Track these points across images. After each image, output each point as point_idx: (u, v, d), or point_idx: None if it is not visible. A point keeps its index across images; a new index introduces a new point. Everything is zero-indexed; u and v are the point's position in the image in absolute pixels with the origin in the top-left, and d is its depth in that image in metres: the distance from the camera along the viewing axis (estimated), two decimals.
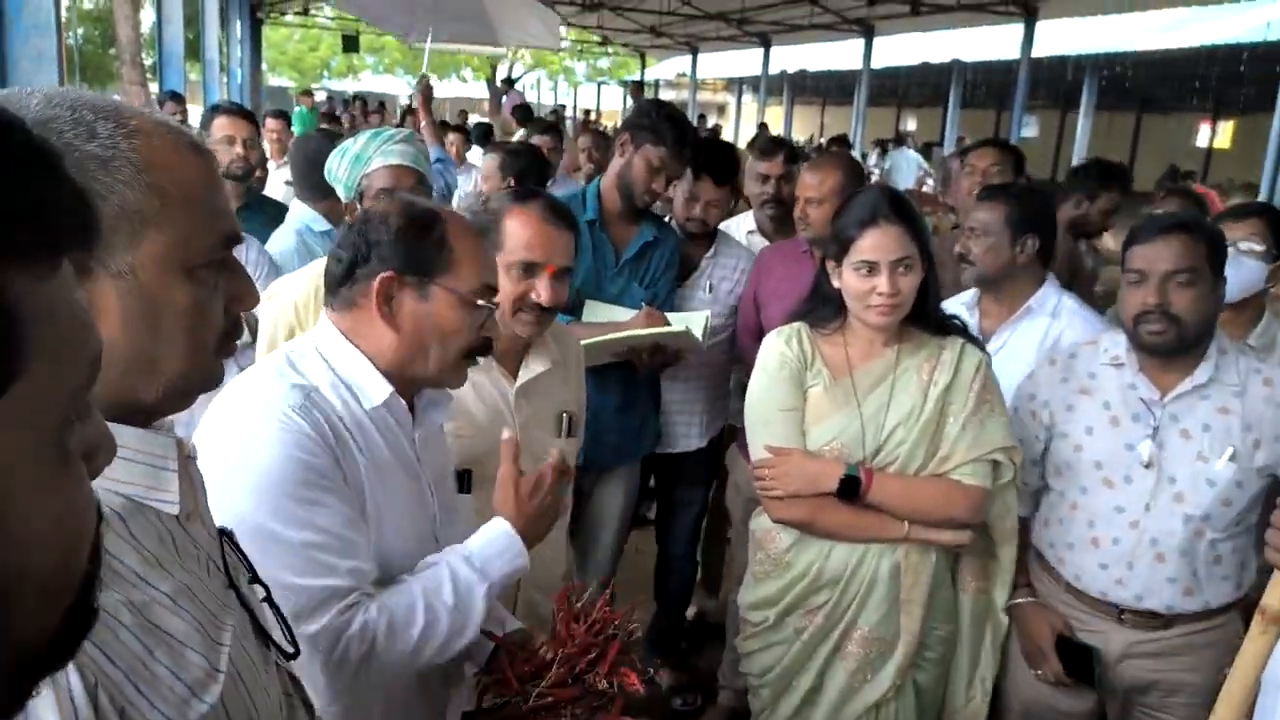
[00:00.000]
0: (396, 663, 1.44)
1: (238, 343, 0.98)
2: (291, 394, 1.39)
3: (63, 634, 0.50)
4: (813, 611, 2.18)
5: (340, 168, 2.42)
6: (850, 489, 2.06)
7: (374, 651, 1.39)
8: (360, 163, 2.38)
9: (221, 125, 3.70)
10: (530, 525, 1.61)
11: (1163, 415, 2.09)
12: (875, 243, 2.02)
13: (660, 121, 2.85)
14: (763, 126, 17.67)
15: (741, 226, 3.77)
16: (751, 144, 13.22)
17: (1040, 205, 2.68)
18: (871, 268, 2.03)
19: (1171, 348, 2.05)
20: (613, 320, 2.78)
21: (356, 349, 1.47)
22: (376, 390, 1.46)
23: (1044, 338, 2.57)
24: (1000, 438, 2.09)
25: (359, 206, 2.33)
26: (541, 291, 1.95)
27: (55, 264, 0.45)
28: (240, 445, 1.34)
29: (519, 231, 1.97)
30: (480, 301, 1.50)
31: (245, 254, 3.00)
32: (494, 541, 1.57)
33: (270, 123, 5.91)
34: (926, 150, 16.43)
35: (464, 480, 1.74)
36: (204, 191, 0.88)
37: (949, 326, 2.17)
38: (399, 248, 1.45)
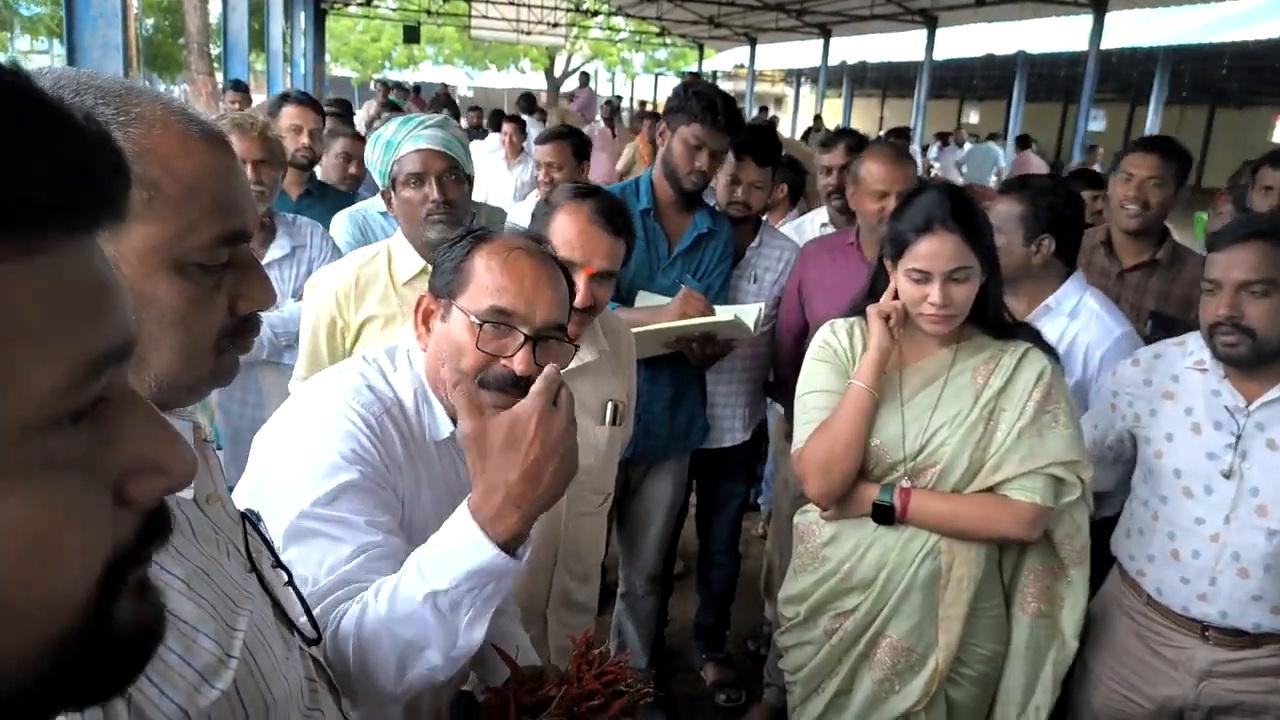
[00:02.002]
0: (343, 663, 1.22)
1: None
2: (366, 395, 1.39)
3: (66, 675, 0.45)
4: (843, 615, 2.13)
5: (374, 155, 2.43)
6: (884, 515, 2.02)
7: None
8: (391, 148, 2.39)
9: (290, 114, 3.78)
10: (522, 494, 1.18)
11: (1247, 424, 2.00)
12: (930, 250, 1.94)
13: (689, 99, 2.81)
14: (817, 119, 17.48)
15: (815, 221, 3.74)
16: (805, 137, 13.08)
17: (1062, 202, 2.54)
18: (924, 277, 1.96)
19: (1246, 360, 1.97)
20: (655, 305, 2.75)
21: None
22: (441, 425, 1.46)
23: (1059, 339, 2.47)
24: (1061, 451, 1.97)
25: (393, 194, 2.34)
26: (577, 292, 1.92)
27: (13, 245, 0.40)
28: (305, 442, 1.35)
29: (565, 228, 1.96)
30: (483, 322, 1.38)
31: (310, 239, 3.04)
32: (450, 537, 1.19)
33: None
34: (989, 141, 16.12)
35: None
36: (208, 186, 0.84)
37: (1015, 330, 2.09)
38: (439, 269, 1.47)
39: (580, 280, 1.94)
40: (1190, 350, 2.12)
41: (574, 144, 4.08)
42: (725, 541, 3.39)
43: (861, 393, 2.00)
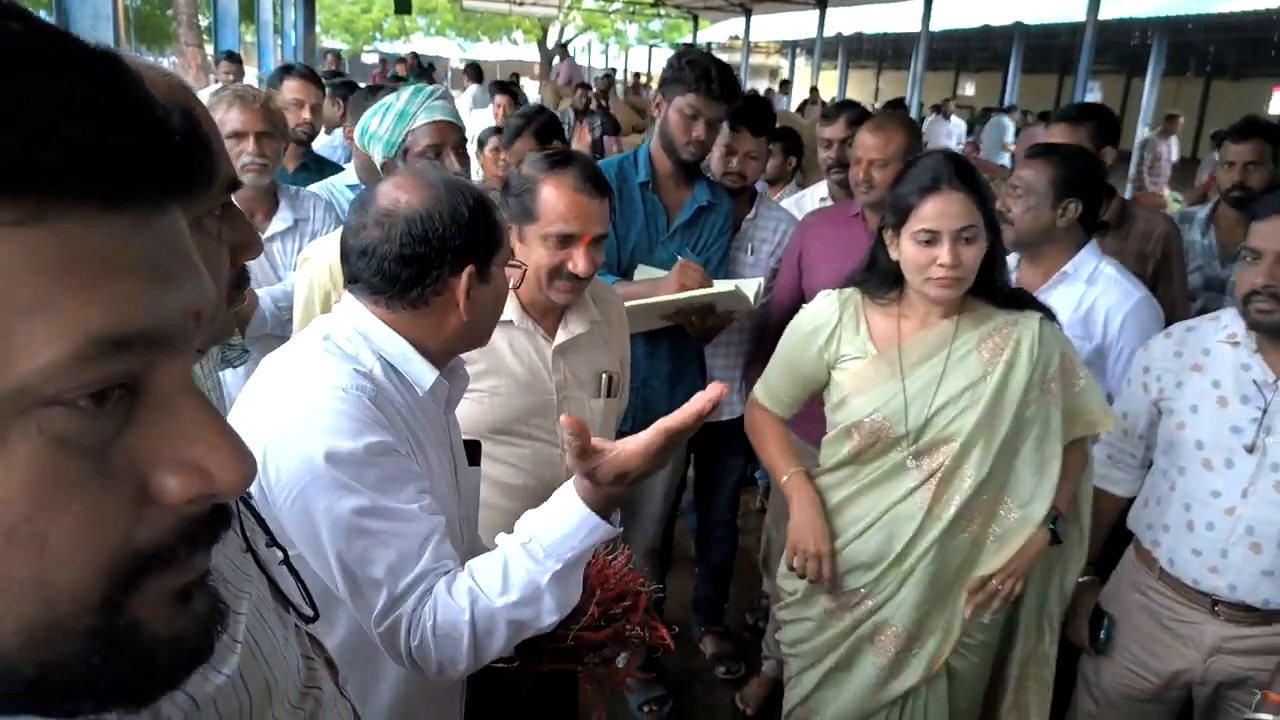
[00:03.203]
0: (460, 660, 1.34)
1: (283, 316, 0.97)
2: (355, 379, 1.37)
3: (85, 667, 0.43)
4: (846, 596, 2.13)
5: (382, 125, 2.39)
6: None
7: (426, 649, 1.33)
8: (405, 119, 2.36)
9: (292, 88, 3.74)
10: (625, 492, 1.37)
11: (1274, 398, 2.00)
12: (938, 210, 1.92)
13: (683, 68, 2.78)
14: (813, 91, 17.35)
15: (815, 195, 3.72)
16: (801, 109, 13.00)
17: (1089, 168, 2.58)
18: (932, 237, 1.92)
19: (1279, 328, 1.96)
20: (653, 278, 2.73)
21: (400, 336, 1.45)
22: (425, 376, 1.46)
23: (1078, 305, 2.49)
24: (1093, 410, 2.09)
25: (400, 165, 2.31)
26: (578, 261, 1.96)
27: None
28: (319, 441, 1.30)
29: (554, 203, 1.96)
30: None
31: (313, 212, 3.01)
32: (568, 520, 1.33)
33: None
34: (985, 115, 16.05)
35: (474, 453, 1.72)
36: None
37: (1018, 299, 2.08)
38: (473, 240, 1.45)
39: (580, 251, 1.96)
40: (1224, 324, 2.12)
41: (539, 126, 3.94)
42: (724, 515, 3.40)
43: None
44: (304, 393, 1.35)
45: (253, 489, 1.27)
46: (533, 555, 1.31)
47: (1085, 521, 2.21)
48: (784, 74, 27.73)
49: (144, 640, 0.45)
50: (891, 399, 2.03)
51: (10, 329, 0.38)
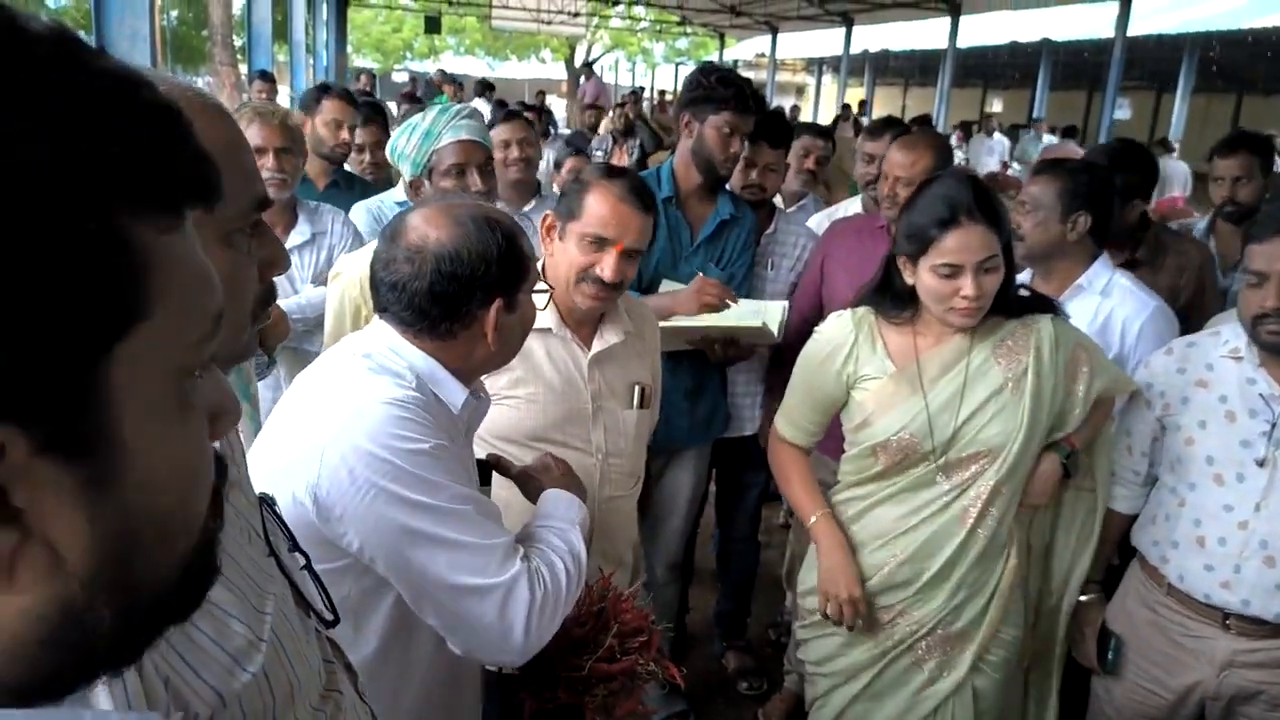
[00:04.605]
0: (561, 605, 1.47)
1: (301, 329, 0.99)
2: (406, 392, 1.41)
3: (184, 587, 0.52)
4: (873, 622, 2.13)
5: (409, 144, 2.43)
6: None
7: (549, 592, 1.43)
8: (430, 138, 2.39)
9: (331, 109, 3.80)
10: (572, 489, 1.72)
11: None
12: (960, 244, 1.90)
13: (714, 87, 2.80)
14: (846, 108, 17.37)
15: (849, 210, 3.73)
16: (833, 125, 13.00)
17: (1097, 180, 2.57)
18: (954, 271, 1.92)
19: None
20: (672, 291, 2.74)
21: (430, 358, 1.50)
22: (456, 395, 1.50)
23: (1094, 317, 2.49)
24: (1116, 376, 2.13)
25: (426, 184, 2.35)
26: (606, 267, 2.01)
27: (178, 218, 0.47)
28: (394, 444, 1.35)
29: (596, 206, 2.03)
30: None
31: (331, 225, 3.07)
32: (556, 502, 1.65)
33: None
34: (1013, 132, 15.94)
35: (485, 473, 1.76)
36: (231, 155, 0.87)
37: (1026, 304, 2.09)
38: (503, 275, 1.48)
39: (611, 256, 2.01)
40: (1225, 339, 2.11)
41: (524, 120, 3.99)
42: (745, 530, 3.40)
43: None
44: (364, 405, 1.39)
45: (300, 495, 1.34)
46: (554, 521, 1.59)
47: (1102, 494, 2.23)
48: (811, 91, 27.75)
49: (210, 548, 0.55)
50: (916, 415, 2.03)
51: (189, 306, 0.48)
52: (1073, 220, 2.49)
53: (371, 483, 1.33)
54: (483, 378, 1.66)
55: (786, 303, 2.91)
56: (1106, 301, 2.51)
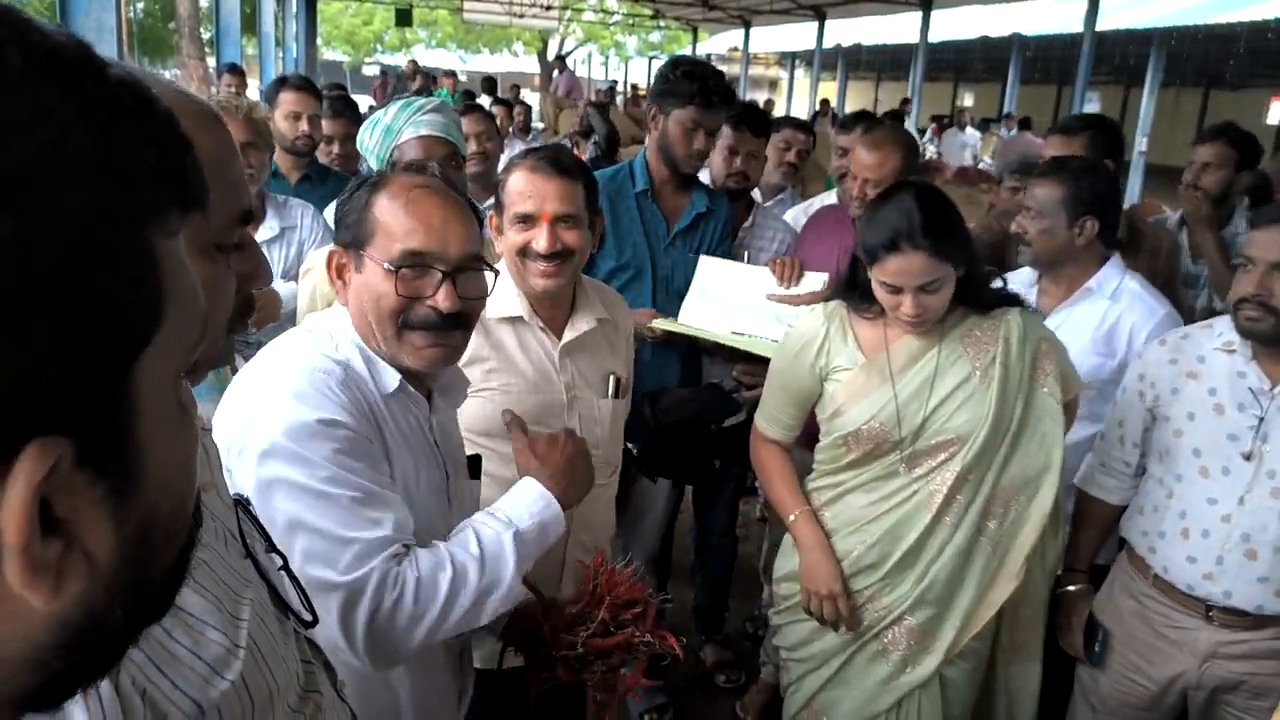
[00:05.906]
0: (427, 618, 1.38)
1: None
2: (327, 363, 1.43)
3: (164, 586, 0.53)
4: (855, 595, 2.14)
5: (371, 140, 2.41)
6: None
7: (401, 604, 1.35)
8: (391, 134, 2.37)
9: (288, 100, 3.68)
10: (560, 480, 1.61)
11: (1270, 406, 2.01)
12: (899, 269, 1.96)
13: (679, 81, 2.79)
14: (824, 103, 17.45)
15: (823, 204, 3.73)
16: (812, 121, 13.06)
17: (1102, 183, 2.55)
18: (895, 289, 1.98)
19: (1267, 336, 1.97)
20: (738, 274, 2.79)
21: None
22: (389, 377, 1.49)
23: (1101, 321, 2.49)
24: (1069, 375, 2.12)
25: None
26: (538, 239, 1.97)
27: (179, 224, 0.48)
28: (281, 413, 1.36)
29: (512, 186, 2.01)
30: (399, 268, 1.41)
31: (300, 220, 3.03)
32: (520, 494, 1.58)
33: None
34: (985, 126, 16.05)
35: (475, 466, 1.74)
36: (223, 165, 0.85)
37: (1001, 299, 2.11)
38: (343, 221, 1.51)
39: (541, 228, 1.97)
40: (1219, 332, 2.12)
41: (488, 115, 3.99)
42: (723, 524, 3.40)
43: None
44: (277, 370, 1.42)
45: (272, 488, 1.34)
46: (495, 518, 1.50)
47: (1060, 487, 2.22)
48: (784, 85, 27.83)
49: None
50: (885, 405, 2.05)
51: (188, 311, 0.49)
52: (1080, 225, 2.48)
53: (251, 451, 1.33)
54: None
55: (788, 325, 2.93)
56: (1115, 306, 2.51)
